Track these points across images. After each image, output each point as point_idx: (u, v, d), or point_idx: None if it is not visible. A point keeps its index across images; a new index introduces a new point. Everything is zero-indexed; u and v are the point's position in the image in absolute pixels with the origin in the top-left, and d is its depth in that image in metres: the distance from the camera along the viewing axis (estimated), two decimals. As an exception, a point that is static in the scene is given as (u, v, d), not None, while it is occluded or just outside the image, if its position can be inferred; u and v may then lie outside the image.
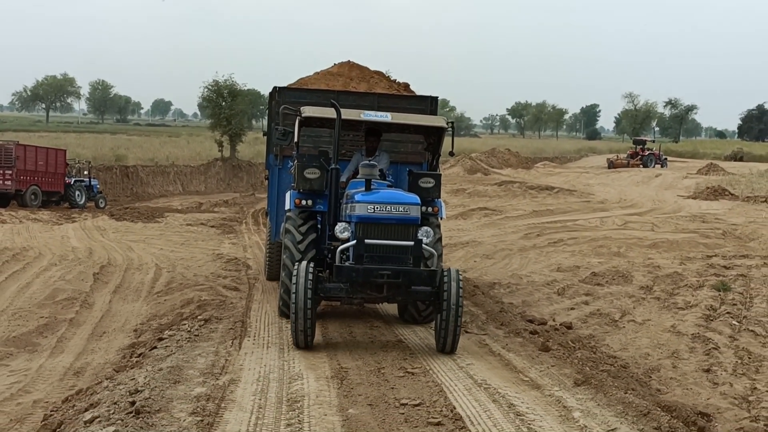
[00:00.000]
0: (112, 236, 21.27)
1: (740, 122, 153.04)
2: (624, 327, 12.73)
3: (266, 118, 16.98)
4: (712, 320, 12.88)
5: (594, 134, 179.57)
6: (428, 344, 9.69)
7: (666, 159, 66.07)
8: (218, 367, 7.76)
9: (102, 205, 32.29)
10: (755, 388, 9.57)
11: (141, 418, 5.91)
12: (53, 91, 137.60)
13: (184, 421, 5.95)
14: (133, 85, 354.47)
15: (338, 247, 9.49)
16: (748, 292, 15.22)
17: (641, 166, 61.09)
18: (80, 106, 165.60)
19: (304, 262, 9.08)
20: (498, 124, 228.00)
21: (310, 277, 8.81)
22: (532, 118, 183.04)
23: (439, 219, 10.80)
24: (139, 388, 6.74)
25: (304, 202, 10.57)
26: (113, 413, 6.20)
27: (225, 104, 53.89)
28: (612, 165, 62.07)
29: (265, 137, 14.73)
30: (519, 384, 7.72)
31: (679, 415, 7.63)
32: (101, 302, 12.91)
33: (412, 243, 9.25)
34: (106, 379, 7.88)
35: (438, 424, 6.27)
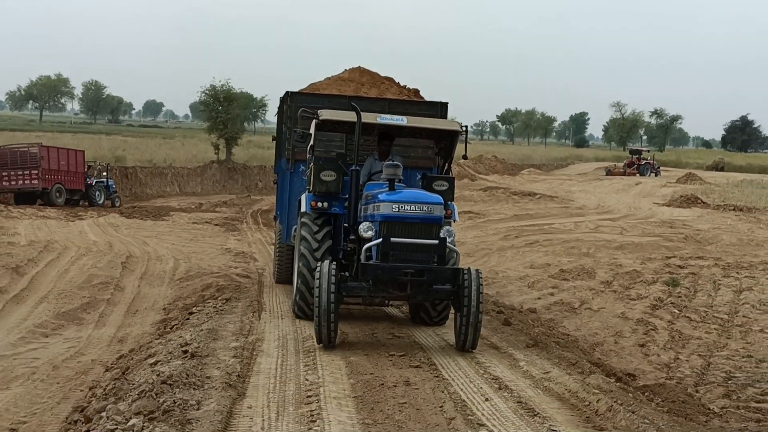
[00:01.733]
0: (125, 232, 23.26)
1: (724, 132, 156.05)
2: (581, 313, 14.88)
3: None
4: (657, 309, 15.08)
5: (582, 142, 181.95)
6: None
7: (660, 168, 69.38)
8: (245, 330, 9.79)
9: (117, 204, 34.28)
10: (678, 358, 11.74)
11: (195, 359, 7.92)
12: (47, 91, 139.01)
13: (228, 361, 7.98)
14: (125, 85, 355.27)
15: (354, 248, 9.99)
16: (694, 287, 17.48)
17: (638, 174, 64.01)
18: (74, 106, 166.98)
19: (326, 262, 9.30)
20: (488, 130, 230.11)
21: (333, 276, 9.01)
22: (522, 125, 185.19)
23: (452, 221, 10.92)
24: (188, 342, 8.76)
25: (319, 205, 10.77)
26: (171, 358, 8.19)
27: (221, 109, 55.67)
28: (609, 173, 65.27)
29: (274, 142, 15.12)
30: (482, 346, 9.75)
31: (605, 370, 9.71)
32: (131, 286, 14.94)
33: (437, 241, 9.44)
34: (156, 338, 9.91)
35: (417, 367, 8.36)
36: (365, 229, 9.71)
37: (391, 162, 10.46)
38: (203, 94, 56.59)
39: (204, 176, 54.41)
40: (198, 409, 6.28)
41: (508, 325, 11.63)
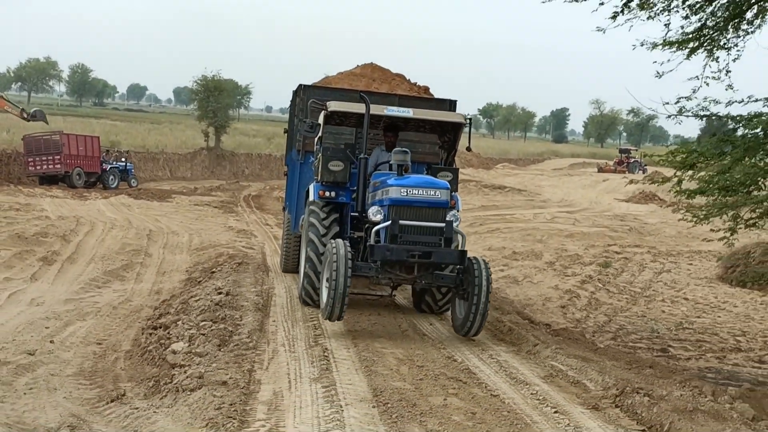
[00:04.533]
0: (137, 211, 26.50)
1: (699, 132, 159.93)
2: (522, 285, 18.31)
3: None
4: (585, 283, 18.55)
5: (561, 138, 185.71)
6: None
7: (646, 166, 73.30)
8: (259, 282, 13.10)
9: (134, 185, 37.98)
10: (588, 317, 15.19)
11: (229, 296, 11.26)
12: (36, 74, 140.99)
13: (253, 298, 11.31)
14: (109, 68, 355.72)
15: (361, 236, 10.48)
16: (622, 268, 21.08)
17: (627, 171, 68.02)
18: (60, 88, 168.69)
19: (339, 240, 9.63)
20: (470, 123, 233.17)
21: (349, 254, 9.28)
22: (502, 119, 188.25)
23: (456, 211, 10.91)
24: (220, 287, 12.07)
25: (328, 194, 11.05)
26: (209, 296, 11.50)
27: (212, 99, 58.62)
28: (601, 170, 69.83)
29: (286, 134, 15.53)
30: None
31: (526, 318, 13.09)
32: (157, 254, 18.22)
33: (443, 224, 9.72)
34: (193, 286, 13.23)
35: (386, 306, 11.76)
36: (374, 213, 9.98)
37: (400, 149, 10.68)
38: (195, 84, 59.65)
39: (194, 162, 57.09)
40: (241, 320, 9.66)
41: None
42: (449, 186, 10.21)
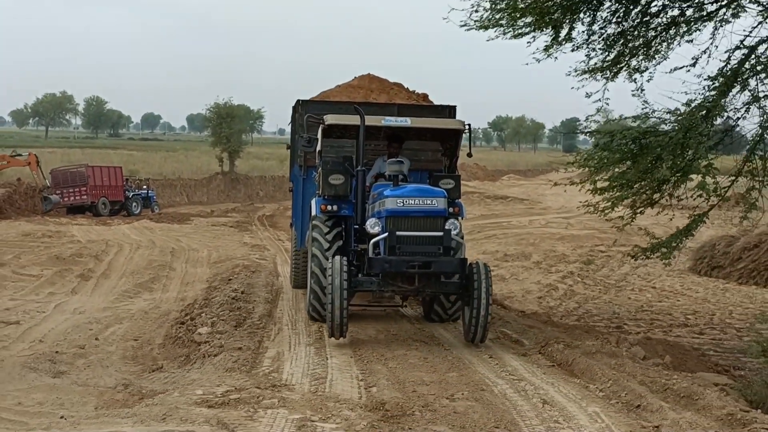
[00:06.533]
0: (159, 233, 28.77)
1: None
2: (508, 282, 20.34)
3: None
4: (565, 278, 20.58)
5: (572, 147, 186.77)
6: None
7: None
8: (270, 284, 15.21)
9: (156, 210, 40.28)
10: (561, 304, 17.21)
11: (244, 294, 13.38)
12: (53, 108, 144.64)
13: (264, 295, 13.41)
14: (122, 99, 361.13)
15: (364, 248, 10.25)
16: (603, 264, 23.03)
17: None
18: (76, 121, 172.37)
19: (337, 257, 9.61)
20: (481, 136, 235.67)
21: (345, 270, 9.30)
22: (512, 132, 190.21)
23: (460, 219, 10.77)
24: (236, 288, 14.20)
25: (329, 208, 10.94)
26: (227, 299, 13.63)
27: (225, 125, 60.98)
28: None
29: (289, 150, 15.39)
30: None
31: (502, 306, 15.10)
32: (180, 268, 20.42)
33: (441, 233, 9.59)
34: (213, 292, 15.38)
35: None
36: (372, 225, 9.89)
37: (395, 159, 10.71)
38: (208, 111, 62.19)
39: (210, 186, 59.27)
40: (253, 310, 11.79)
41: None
42: (446, 194, 10.12)
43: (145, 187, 41.82)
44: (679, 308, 16.68)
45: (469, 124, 11.52)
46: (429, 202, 9.71)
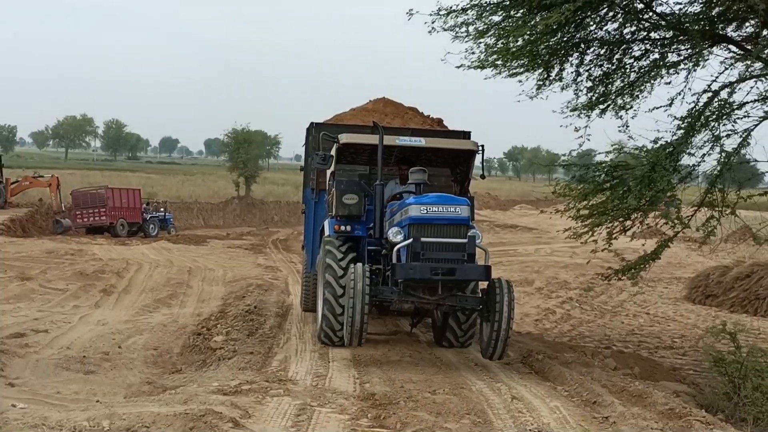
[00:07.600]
0: (176, 253, 29.94)
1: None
2: (509, 306, 21.23)
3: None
4: (564, 303, 21.50)
5: (583, 179, 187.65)
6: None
7: None
8: (281, 301, 16.25)
9: (172, 233, 41.52)
10: (556, 327, 18.13)
11: (256, 308, 14.42)
12: (73, 131, 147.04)
13: (275, 310, 14.44)
14: (141, 122, 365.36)
15: (378, 267, 10.24)
16: (603, 291, 23.92)
17: None
18: (96, 144, 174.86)
19: (359, 264, 9.54)
20: (496, 166, 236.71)
21: (367, 275, 9.24)
22: (527, 162, 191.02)
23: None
24: (249, 303, 15.24)
25: (343, 228, 10.85)
26: (240, 312, 14.67)
27: (242, 150, 62.32)
28: None
29: (302, 172, 15.28)
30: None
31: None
32: (197, 285, 21.52)
33: (465, 240, 9.50)
34: (227, 307, 16.44)
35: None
36: (394, 234, 9.73)
37: (417, 168, 10.70)
38: (225, 137, 63.65)
39: (226, 210, 60.44)
40: (265, 322, 12.84)
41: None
42: (468, 202, 10.04)
43: (162, 209, 43.20)
44: (668, 332, 17.57)
45: (483, 145, 11.48)
46: (452, 209, 9.66)
